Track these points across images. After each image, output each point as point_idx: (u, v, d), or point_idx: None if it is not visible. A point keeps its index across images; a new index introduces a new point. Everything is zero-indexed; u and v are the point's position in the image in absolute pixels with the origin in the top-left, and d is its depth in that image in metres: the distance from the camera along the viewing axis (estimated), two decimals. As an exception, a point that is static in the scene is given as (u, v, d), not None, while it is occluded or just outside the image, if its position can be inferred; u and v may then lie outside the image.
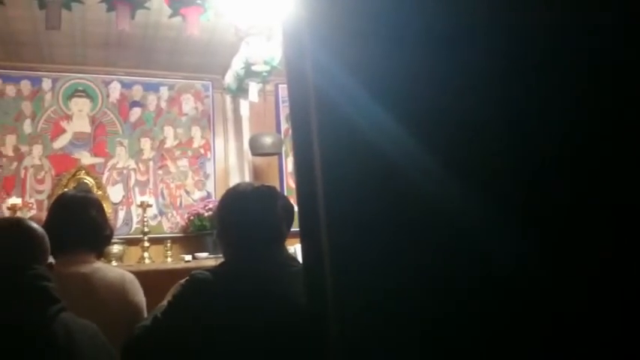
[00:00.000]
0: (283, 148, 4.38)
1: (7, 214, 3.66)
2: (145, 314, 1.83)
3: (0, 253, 1.37)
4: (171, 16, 2.92)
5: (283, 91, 4.54)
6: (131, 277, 1.89)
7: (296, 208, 1.88)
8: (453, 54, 0.97)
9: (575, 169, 0.93)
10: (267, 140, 4.15)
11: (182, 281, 1.54)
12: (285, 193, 4.24)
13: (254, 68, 3.32)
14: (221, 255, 1.65)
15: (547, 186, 0.93)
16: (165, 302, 1.55)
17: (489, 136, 0.94)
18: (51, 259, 1.49)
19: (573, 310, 0.89)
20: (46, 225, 1.78)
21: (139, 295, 1.88)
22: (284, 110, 4.55)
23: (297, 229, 1.66)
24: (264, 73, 3.43)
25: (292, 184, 4.44)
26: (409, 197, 0.98)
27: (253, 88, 3.64)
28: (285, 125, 4.56)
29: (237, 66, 3.50)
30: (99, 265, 1.87)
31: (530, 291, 0.90)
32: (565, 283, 0.90)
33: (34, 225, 1.47)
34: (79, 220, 1.89)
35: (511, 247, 0.91)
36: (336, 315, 1.05)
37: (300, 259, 1.48)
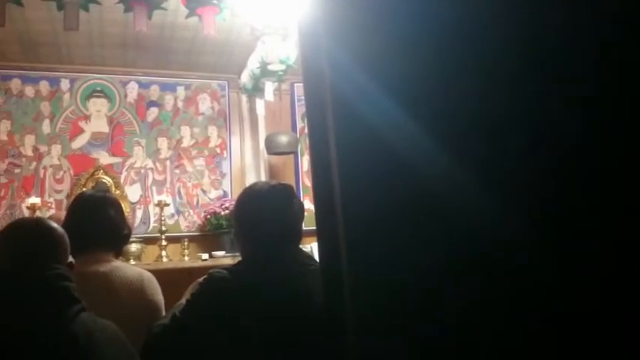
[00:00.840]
0: (299, 147, 4.38)
1: (26, 213, 3.71)
2: (163, 313, 1.84)
3: (20, 253, 1.38)
4: (188, 16, 2.93)
5: (299, 89, 4.54)
6: (149, 275, 1.90)
7: (307, 207, 1.89)
8: (469, 52, 0.97)
9: (592, 170, 0.92)
10: (283, 139, 4.15)
11: (200, 280, 1.54)
12: (301, 192, 4.25)
13: (270, 67, 3.33)
14: (238, 254, 1.66)
15: (563, 186, 0.92)
16: (183, 301, 1.56)
17: (506, 135, 0.93)
18: (70, 259, 1.51)
19: (584, 309, 0.89)
20: (66, 224, 1.79)
21: (158, 294, 1.89)
22: (300, 109, 4.56)
23: (312, 228, 1.67)
24: (280, 72, 3.43)
25: (308, 183, 4.45)
26: (425, 196, 0.98)
27: (269, 87, 3.65)
28: (300, 124, 4.57)
29: (253, 65, 3.51)
30: (117, 264, 1.88)
31: (542, 292, 0.90)
32: (579, 284, 0.89)
33: (54, 225, 1.48)
34: (98, 220, 1.90)
35: (525, 246, 0.90)
36: (353, 312, 1.05)
37: (316, 257, 1.49)
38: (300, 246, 1.66)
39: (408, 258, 0.97)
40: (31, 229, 1.46)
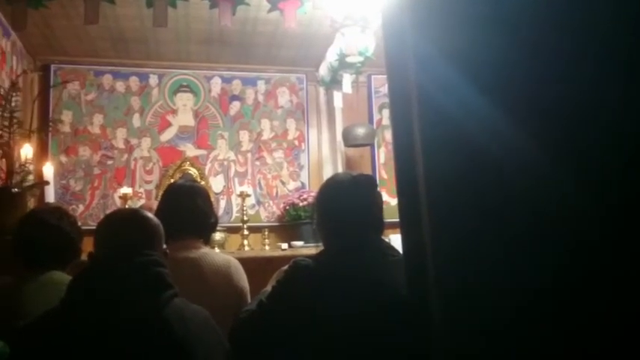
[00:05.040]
0: (376, 139, 4.37)
1: (118, 203, 3.91)
2: (249, 299, 1.90)
3: (117, 241, 1.46)
4: (270, 10, 2.98)
5: (376, 81, 4.52)
6: (236, 262, 1.96)
7: (385, 199, 1.89)
8: (551, 37, 0.94)
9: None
10: (360, 131, 4.15)
11: (285, 267, 1.57)
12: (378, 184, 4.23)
13: (348, 59, 3.33)
14: (316, 244, 1.68)
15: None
16: (268, 288, 1.60)
17: (589, 122, 0.90)
18: (164, 246, 1.58)
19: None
20: (158, 213, 1.89)
21: (243, 280, 1.95)
22: (377, 101, 4.54)
23: (390, 220, 1.67)
24: (358, 64, 3.43)
25: (385, 175, 4.43)
26: (510, 187, 0.97)
27: (347, 79, 3.66)
28: (377, 116, 4.55)
29: (331, 58, 3.53)
30: (206, 251, 1.95)
31: (629, 282, 0.87)
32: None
33: (150, 215, 1.55)
34: (187, 208, 1.98)
35: (613, 244, 0.87)
36: (438, 301, 1.05)
37: (397, 249, 1.49)
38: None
39: (493, 246, 0.97)
40: (128, 218, 1.54)
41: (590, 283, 0.89)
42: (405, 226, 1.24)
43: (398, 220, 1.25)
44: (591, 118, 0.91)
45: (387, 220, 1.69)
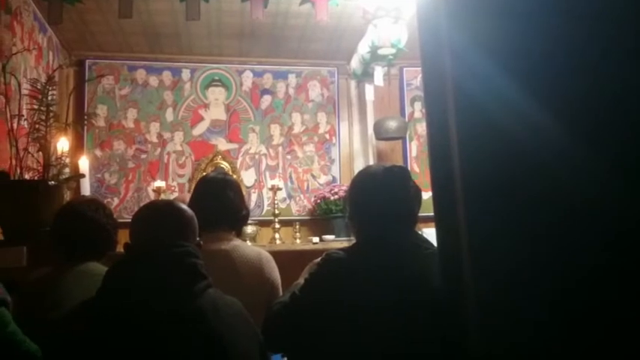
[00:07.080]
0: (407, 133, 4.33)
1: (152, 195, 3.97)
2: (280, 292, 1.91)
3: (153, 232, 1.46)
4: (302, 3, 2.97)
5: (408, 74, 4.48)
6: (267, 255, 1.97)
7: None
8: (595, 31, 0.92)
9: None
10: (392, 124, 4.12)
11: (317, 260, 1.57)
12: (412, 177, 4.20)
13: (380, 51, 3.31)
14: (347, 238, 1.67)
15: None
16: (301, 280, 1.60)
17: (624, 111, 0.89)
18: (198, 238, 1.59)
19: None
20: (190, 205, 1.90)
21: (275, 273, 1.95)
22: (409, 94, 4.50)
23: (422, 214, 1.65)
24: (390, 56, 3.41)
25: (417, 169, 4.39)
26: (547, 178, 0.95)
27: (379, 71, 3.63)
28: (409, 109, 4.51)
29: (363, 50, 3.51)
30: (238, 243, 1.97)
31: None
32: None
33: (185, 207, 1.56)
34: (219, 200, 2.00)
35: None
36: (473, 294, 1.04)
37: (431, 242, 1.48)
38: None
39: (529, 239, 0.96)
40: (163, 210, 1.54)
41: (632, 275, 0.87)
42: (440, 218, 1.23)
43: (430, 213, 1.23)
44: (628, 108, 0.89)
45: (420, 214, 1.67)
